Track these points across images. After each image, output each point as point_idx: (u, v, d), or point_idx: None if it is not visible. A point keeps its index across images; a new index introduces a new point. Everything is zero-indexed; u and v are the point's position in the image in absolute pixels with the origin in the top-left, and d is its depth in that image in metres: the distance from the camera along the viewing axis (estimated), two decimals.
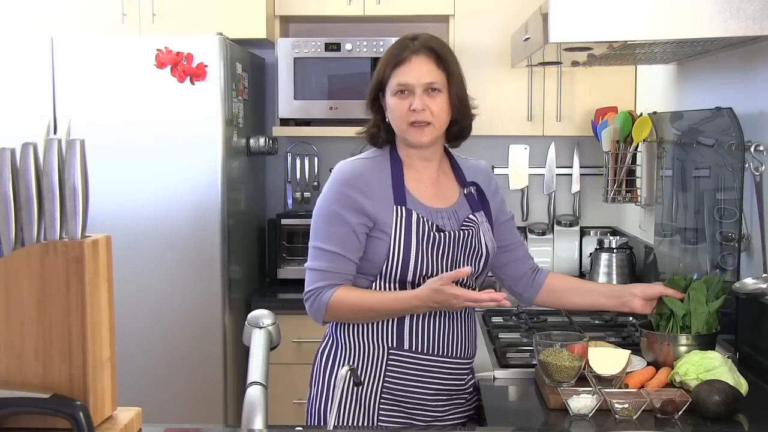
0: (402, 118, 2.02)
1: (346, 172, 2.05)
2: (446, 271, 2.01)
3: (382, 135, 2.10)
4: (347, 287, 2.03)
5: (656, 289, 2.17)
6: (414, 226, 2.00)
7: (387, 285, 2.02)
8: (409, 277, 2.00)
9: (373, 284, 2.03)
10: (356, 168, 2.05)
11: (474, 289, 2.09)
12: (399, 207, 2.01)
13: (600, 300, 2.24)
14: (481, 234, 2.09)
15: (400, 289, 2.02)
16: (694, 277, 2.19)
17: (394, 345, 2.04)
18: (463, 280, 2.02)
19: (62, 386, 1.40)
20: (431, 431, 2.03)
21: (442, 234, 2.02)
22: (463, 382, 2.12)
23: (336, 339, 2.10)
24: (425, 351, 2.04)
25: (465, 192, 2.14)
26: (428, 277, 2.00)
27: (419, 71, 2.01)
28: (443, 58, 2.03)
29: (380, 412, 2.05)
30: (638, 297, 2.17)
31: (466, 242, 2.05)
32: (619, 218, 3.90)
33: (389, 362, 2.04)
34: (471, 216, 2.10)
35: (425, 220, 2.01)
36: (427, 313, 2.03)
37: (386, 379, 2.04)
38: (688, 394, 1.88)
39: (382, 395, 2.04)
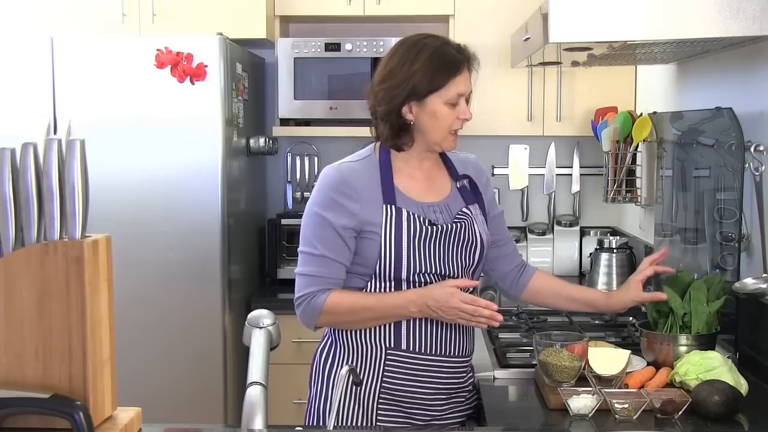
0: (448, 126, 2.03)
1: (332, 177, 2.04)
2: (440, 264, 2.02)
3: (407, 141, 2.06)
4: (341, 290, 2.03)
5: (633, 298, 2.19)
6: (404, 223, 2.00)
7: (382, 284, 2.02)
8: (404, 274, 2.00)
9: (369, 284, 2.03)
10: (342, 172, 2.04)
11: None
12: (388, 206, 2.01)
13: (581, 309, 2.35)
14: (476, 225, 2.09)
15: (396, 287, 2.02)
16: (695, 277, 2.19)
17: (392, 345, 2.04)
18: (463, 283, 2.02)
19: (62, 386, 1.40)
20: (430, 430, 2.03)
21: (433, 227, 2.01)
22: (462, 381, 2.12)
23: (334, 339, 2.10)
24: (423, 351, 2.04)
25: (458, 185, 2.14)
26: (422, 273, 2.00)
27: (468, 81, 2.05)
28: (474, 69, 2.09)
29: (379, 411, 2.05)
30: (620, 309, 2.25)
31: (459, 234, 2.05)
32: (619, 218, 3.90)
33: (387, 362, 2.04)
34: (464, 209, 2.10)
35: (416, 216, 2.01)
36: None
37: (384, 379, 2.04)
38: (688, 394, 1.88)
39: (381, 395, 2.04)
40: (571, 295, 2.28)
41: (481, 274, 2.20)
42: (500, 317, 1.94)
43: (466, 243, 2.06)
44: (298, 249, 2.07)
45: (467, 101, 2.06)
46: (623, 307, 2.22)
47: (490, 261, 2.22)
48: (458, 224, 2.06)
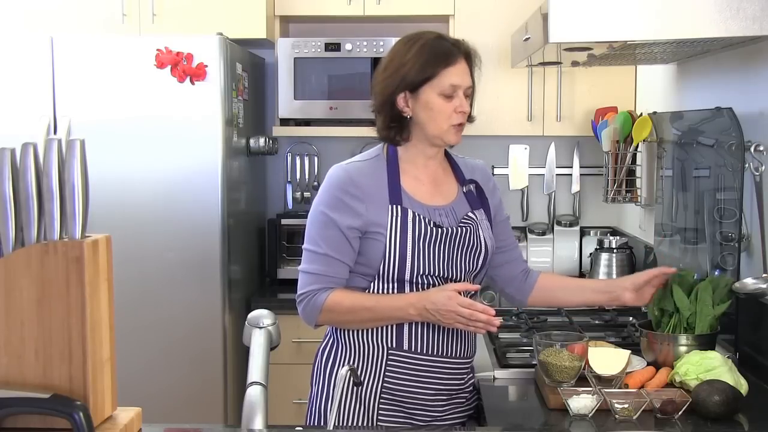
0: (447, 118, 2.02)
1: (339, 176, 2.04)
2: (443, 267, 2.01)
3: (401, 134, 2.06)
4: (342, 290, 2.03)
5: (643, 277, 2.19)
6: (410, 223, 2.00)
7: (385, 285, 2.02)
8: (407, 276, 2.00)
9: (372, 285, 2.03)
10: (349, 172, 2.05)
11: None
12: (394, 206, 2.01)
13: (591, 297, 2.28)
14: (481, 231, 2.09)
15: (399, 288, 2.02)
16: (695, 276, 2.19)
17: (394, 345, 2.04)
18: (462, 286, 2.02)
19: (62, 386, 1.40)
20: (430, 431, 2.03)
21: (439, 229, 2.01)
22: (463, 382, 2.12)
23: (336, 339, 2.10)
24: (424, 351, 2.04)
25: (464, 190, 2.14)
26: (425, 275, 2.00)
27: (465, 74, 2.04)
28: (475, 65, 2.08)
29: (380, 411, 2.05)
30: (628, 289, 2.18)
31: (464, 238, 2.05)
32: (619, 218, 3.90)
33: (389, 362, 2.04)
34: (470, 213, 2.10)
35: (422, 217, 2.01)
36: None
37: (386, 379, 2.04)
38: (688, 394, 1.88)
39: (382, 395, 2.04)
40: (580, 283, 2.28)
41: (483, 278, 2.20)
42: (497, 322, 1.93)
43: (471, 248, 2.06)
44: (303, 246, 2.07)
45: (468, 96, 2.05)
46: (631, 282, 2.18)
47: (495, 267, 2.22)
48: (463, 229, 2.05)
